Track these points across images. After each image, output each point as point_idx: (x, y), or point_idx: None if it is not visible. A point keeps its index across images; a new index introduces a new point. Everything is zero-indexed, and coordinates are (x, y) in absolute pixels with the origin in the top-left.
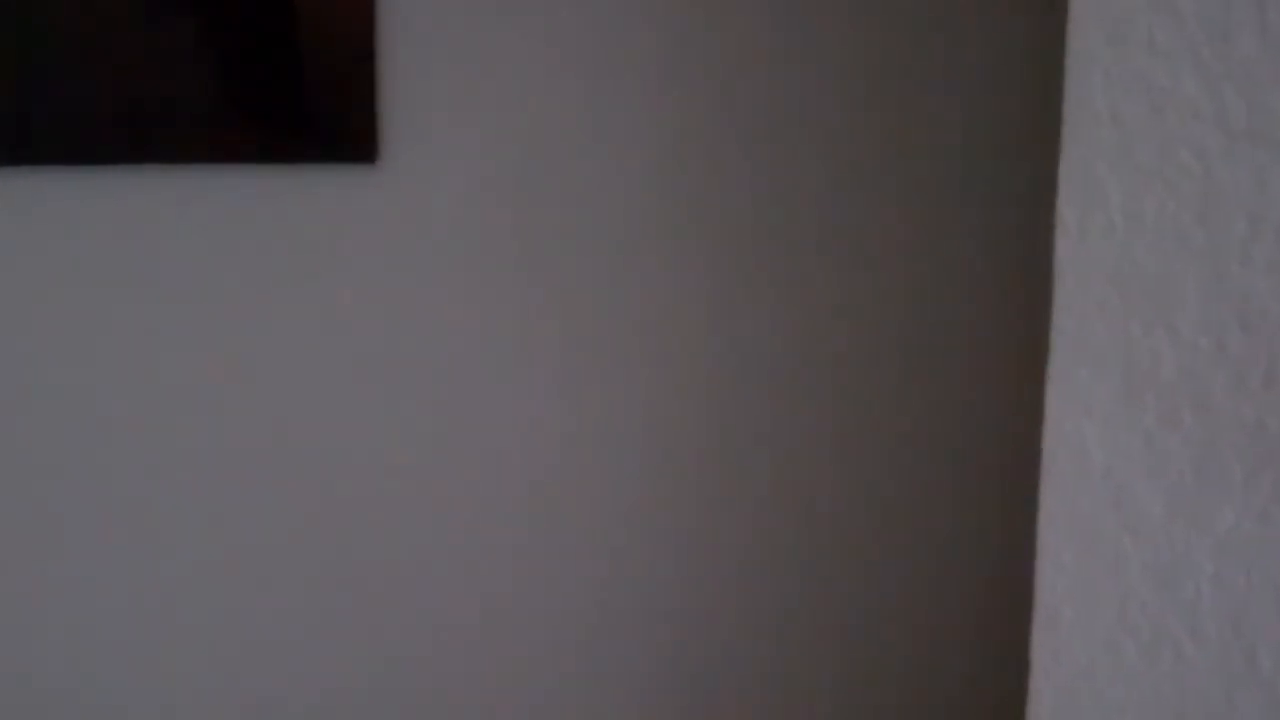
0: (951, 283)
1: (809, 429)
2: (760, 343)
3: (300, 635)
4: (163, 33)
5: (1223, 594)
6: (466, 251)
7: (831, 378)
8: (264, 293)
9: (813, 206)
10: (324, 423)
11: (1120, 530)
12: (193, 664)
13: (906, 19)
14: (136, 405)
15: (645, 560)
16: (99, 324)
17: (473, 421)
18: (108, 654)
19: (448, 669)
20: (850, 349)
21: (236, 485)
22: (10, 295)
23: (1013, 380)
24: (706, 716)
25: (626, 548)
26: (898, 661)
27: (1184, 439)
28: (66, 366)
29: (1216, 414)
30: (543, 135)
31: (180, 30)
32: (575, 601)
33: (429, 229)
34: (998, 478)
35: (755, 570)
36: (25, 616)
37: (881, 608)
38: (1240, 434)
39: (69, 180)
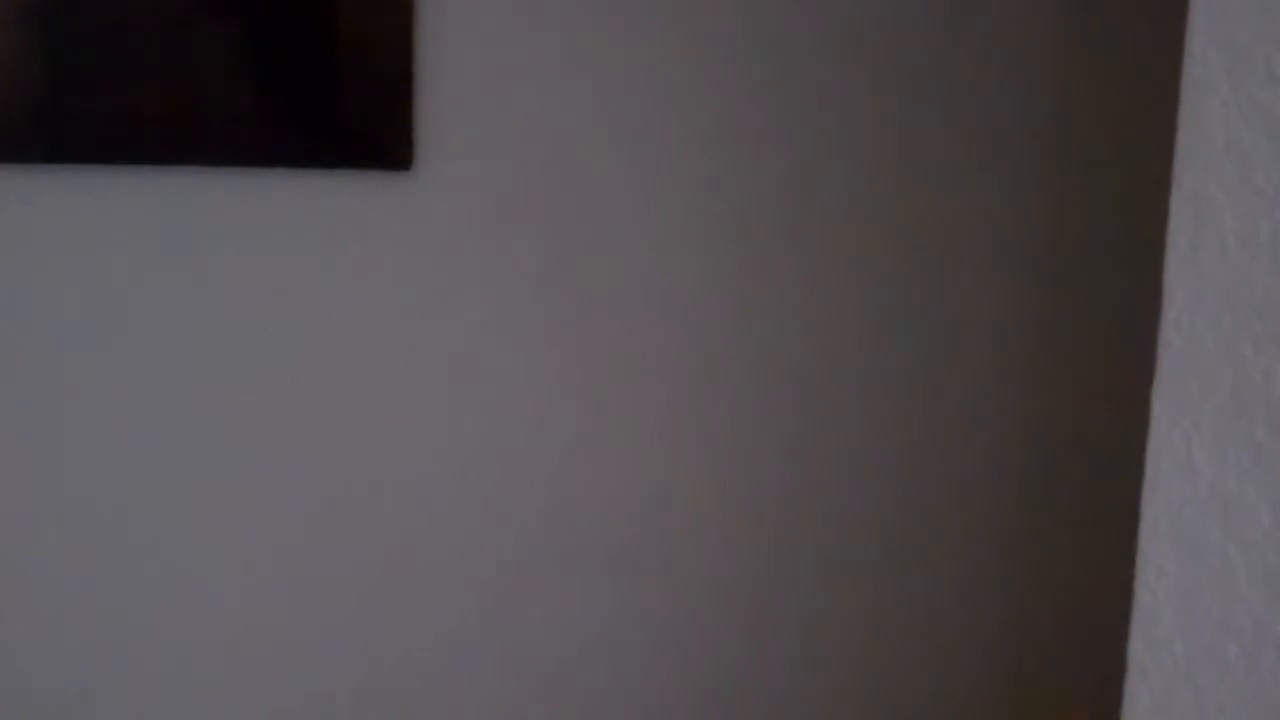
0: (973, 285)
1: (832, 434)
2: (787, 349)
3: (306, 636)
4: (205, 37)
5: None
6: (497, 258)
7: (852, 382)
8: (299, 294)
9: (841, 213)
10: (353, 425)
11: (1225, 539)
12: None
13: (926, 22)
14: (174, 403)
15: (666, 565)
16: (135, 322)
17: (502, 426)
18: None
19: (453, 673)
20: (873, 353)
21: (264, 484)
22: (50, 293)
23: (1031, 382)
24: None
25: (647, 549)
26: (915, 664)
27: None
28: (108, 363)
29: None
30: (573, 147)
31: (223, 35)
32: (598, 606)
33: (461, 235)
34: (1017, 479)
35: (772, 574)
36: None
37: (900, 607)
38: None
39: (109, 179)
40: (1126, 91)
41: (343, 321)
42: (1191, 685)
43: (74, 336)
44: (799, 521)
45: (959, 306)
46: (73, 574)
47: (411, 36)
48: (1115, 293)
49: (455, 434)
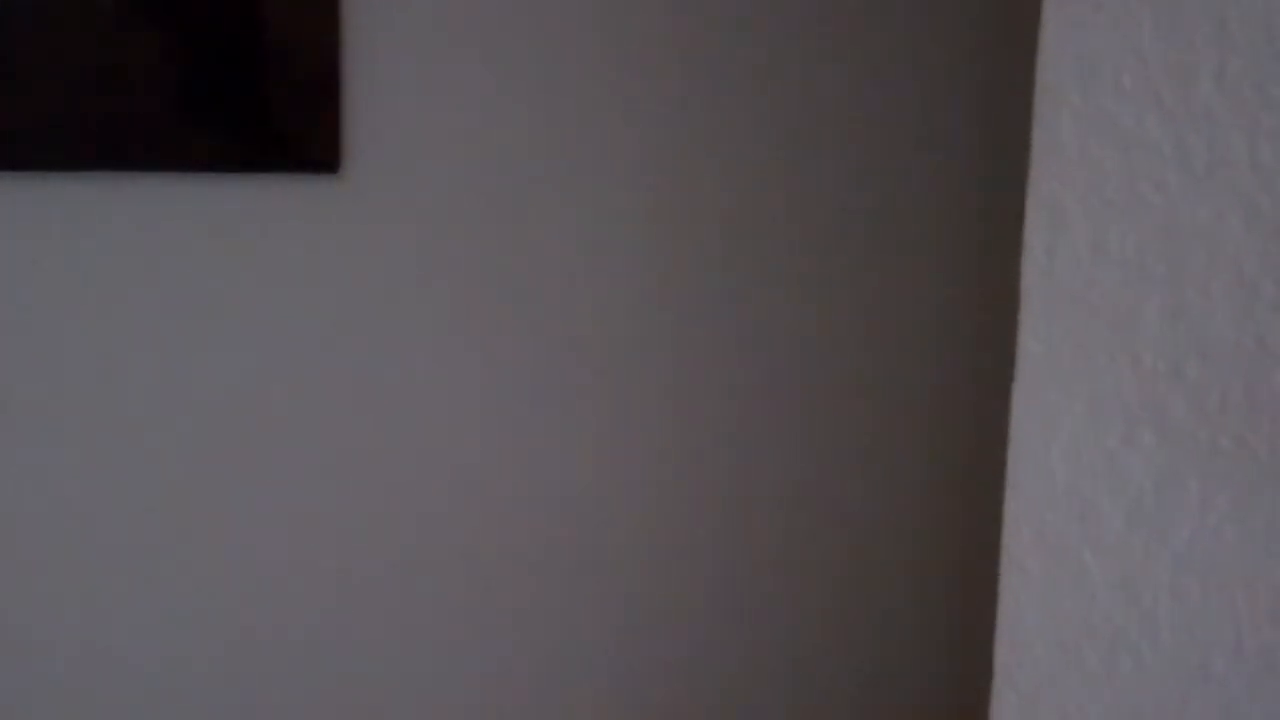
0: (953, 280)
1: (794, 436)
2: (729, 351)
3: (294, 640)
4: (130, 43)
5: (1179, 604)
6: (428, 261)
7: (812, 380)
8: (225, 298)
9: (780, 211)
10: (276, 433)
11: (1082, 543)
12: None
13: (893, 27)
14: (94, 408)
15: (632, 564)
16: (59, 329)
17: (436, 432)
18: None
19: (444, 679)
20: (830, 349)
21: (196, 489)
22: None
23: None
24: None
25: (609, 554)
26: (896, 665)
27: (1145, 458)
28: (25, 370)
29: (1175, 435)
30: (503, 148)
31: (147, 41)
32: (560, 604)
33: (390, 239)
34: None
35: (756, 577)
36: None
37: (888, 609)
38: (1198, 454)
39: (35, 186)
40: None
41: (269, 326)
42: (1054, 688)
43: None
44: (771, 518)
45: (931, 305)
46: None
47: (338, 38)
48: None
49: (383, 441)
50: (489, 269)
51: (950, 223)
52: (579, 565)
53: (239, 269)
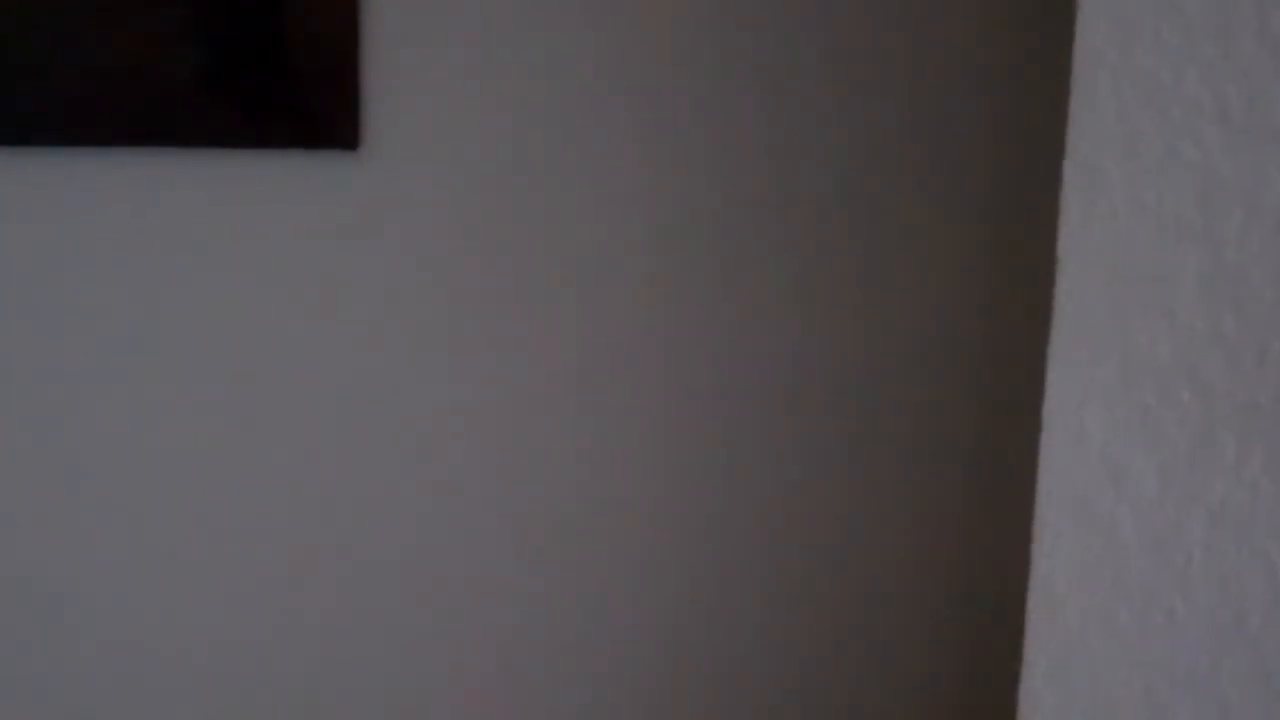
0: (951, 285)
1: (796, 430)
2: (761, 329)
3: (288, 631)
4: (147, 18)
5: (1213, 561)
6: (446, 238)
7: (814, 378)
8: (243, 275)
9: (817, 197)
10: (301, 409)
11: (1116, 502)
12: (193, 663)
13: (901, 17)
14: (114, 387)
15: (629, 559)
16: (81, 303)
17: (452, 411)
18: (104, 650)
19: (440, 675)
20: (832, 348)
21: (209, 473)
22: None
23: (1009, 380)
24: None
25: (610, 545)
26: (896, 662)
27: (1179, 417)
28: (50, 347)
29: (1211, 393)
30: (527, 123)
31: (165, 15)
32: (546, 596)
33: (409, 216)
34: (1002, 477)
35: (753, 574)
36: (19, 607)
37: (884, 608)
38: (1233, 411)
39: (54, 162)
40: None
41: (288, 304)
42: (1086, 648)
43: (19, 318)
44: (778, 520)
45: (945, 305)
46: (59, 562)
47: (357, 12)
48: None
49: (405, 419)
50: (513, 248)
51: (955, 231)
52: (582, 562)
53: (257, 245)
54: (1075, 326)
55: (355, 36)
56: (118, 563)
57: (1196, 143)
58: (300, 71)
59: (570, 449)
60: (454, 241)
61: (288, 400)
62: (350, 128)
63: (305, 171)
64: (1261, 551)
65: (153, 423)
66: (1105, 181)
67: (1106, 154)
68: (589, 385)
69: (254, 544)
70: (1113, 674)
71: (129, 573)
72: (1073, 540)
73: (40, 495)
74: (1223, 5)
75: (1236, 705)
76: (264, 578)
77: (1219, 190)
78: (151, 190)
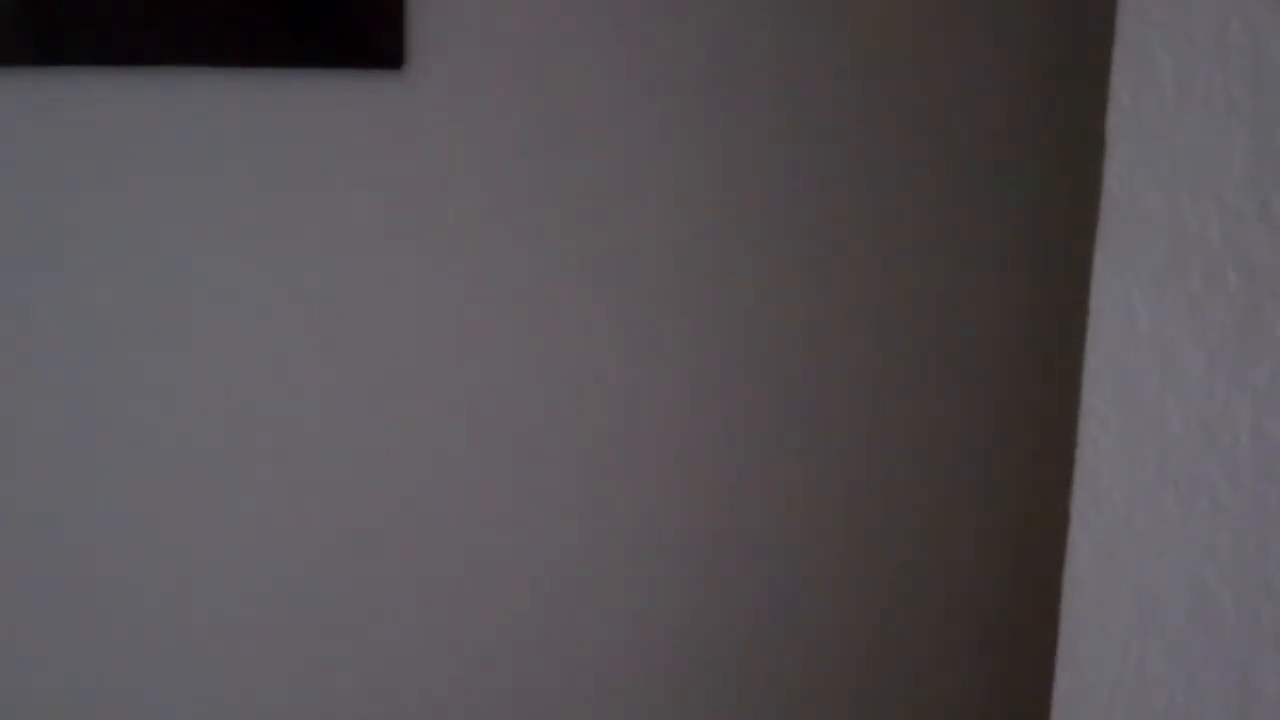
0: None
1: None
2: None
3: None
4: None
5: (1260, 442)
6: (495, 162)
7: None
8: (285, 199)
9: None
10: (339, 341)
11: (1164, 387)
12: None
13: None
14: (147, 310)
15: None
16: (122, 228)
17: (490, 336)
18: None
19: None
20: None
21: (248, 392)
22: (33, 195)
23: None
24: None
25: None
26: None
27: (1227, 299)
28: (76, 270)
29: (1259, 274)
30: (576, 42)
31: None
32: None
33: (456, 139)
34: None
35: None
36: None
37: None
38: None
39: (94, 80)
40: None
41: (329, 230)
42: (1131, 533)
43: (48, 239)
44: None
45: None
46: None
47: None
48: None
49: (448, 351)
50: (561, 172)
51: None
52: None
53: (300, 166)
54: (1123, 210)
55: None
56: (129, 489)
57: (1246, 22)
58: None
59: (624, 387)
60: (506, 165)
61: (334, 320)
62: (395, 45)
63: (348, 92)
64: None
65: (192, 345)
66: (1154, 62)
67: (1155, 35)
68: (653, 312)
69: (285, 466)
70: (1157, 559)
71: (138, 497)
72: (1119, 427)
73: (68, 425)
74: None
75: None
76: (291, 513)
77: (1269, 70)
78: (192, 111)
